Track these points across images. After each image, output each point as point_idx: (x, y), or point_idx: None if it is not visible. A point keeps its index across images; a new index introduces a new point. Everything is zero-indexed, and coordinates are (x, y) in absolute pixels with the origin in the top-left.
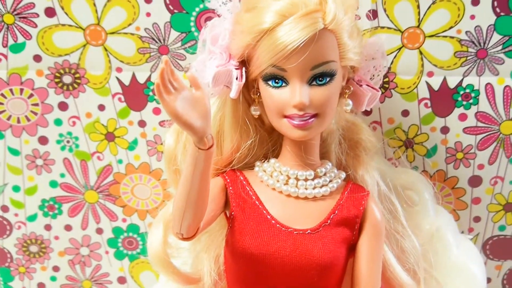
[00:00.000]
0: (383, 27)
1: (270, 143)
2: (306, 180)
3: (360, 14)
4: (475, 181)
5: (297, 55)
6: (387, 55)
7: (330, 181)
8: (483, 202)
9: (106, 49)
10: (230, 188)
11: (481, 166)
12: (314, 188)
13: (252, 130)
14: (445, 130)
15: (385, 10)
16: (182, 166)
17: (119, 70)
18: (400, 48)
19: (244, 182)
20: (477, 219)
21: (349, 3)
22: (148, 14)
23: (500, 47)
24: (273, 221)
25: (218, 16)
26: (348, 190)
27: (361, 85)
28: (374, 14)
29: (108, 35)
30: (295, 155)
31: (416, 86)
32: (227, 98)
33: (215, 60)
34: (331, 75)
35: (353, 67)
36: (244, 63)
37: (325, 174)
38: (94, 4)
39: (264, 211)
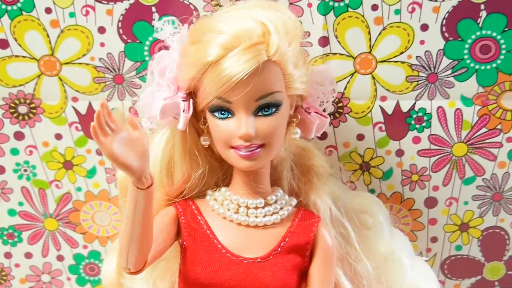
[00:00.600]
0: (335, 54)
1: (221, 171)
2: (256, 208)
3: (311, 41)
4: (430, 202)
5: (242, 87)
6: (340, 80)
7: (281, 208)
8: (439, 222)
9: (61, 79)
10: (182, 217)
11: (436, 188)
12: (264, 216)
13: (202, 159)
14: (400, 153)
15: (336, 37)
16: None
17: (75, 99)
18: (353, 74)
19: (195, 211)
20: (434, 239)
21: (294, 34)
22: (102, 44)
23: (450, 71)
24: (223, 250)
25: (167, 48)
26: (299, 217)
27: (309, 113)
28: (325, 41)
29: (62, 66)
30: (245, 184)
31: (370, 111)
32: (176, 129)
33: (163, 92)
34: (276, 105)
35: (300, 95)
36: (191, 94)
37: (275, 202)
38: (48, 35)
39: (215, 241)
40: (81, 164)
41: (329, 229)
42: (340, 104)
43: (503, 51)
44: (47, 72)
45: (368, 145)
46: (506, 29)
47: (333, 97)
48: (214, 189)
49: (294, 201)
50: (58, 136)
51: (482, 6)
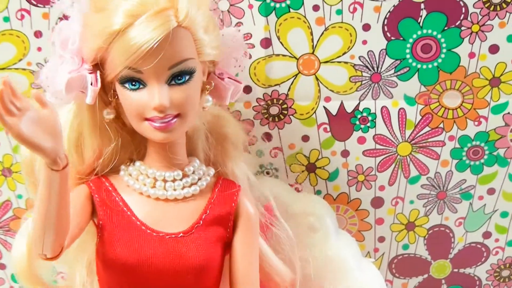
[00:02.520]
0: (278, 55)
1: (134, 145)
2: (174, 181)
3: (254, 42)
4: (377, 202)
5: (152, 55)
6: (284, 82)
7: (199, 179)
8: (386, 222)
9: None
10: (96, 196)
11: (382, 188)
12: (182, 188)
13: (113, 133)
14: (345, 153)
15: (278, 38)
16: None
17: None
18: (296, 75)
19: (110, 189)
20: (381, 239)
21: None
22: (39, 49)
23: (392, 71)
24: (143, 227)
25: (66, 18)
26: (218, 187)
27: (222, 79)
28: (268, 42)
29: None
30: (161, 156)
31: (315, 112)
32: (83, 103)
33: (67, 65)
34: (190, 73)
35: (212, 61)
36: (98, 66)
37: (193, 173)
38: None
39: (133, 218)
40: (20, 171)
41: (250, 197)
42: (285, 106)
43: (444, 50)
44: None
45: (314, 146)
46: (446, 28)
47: (244, 59)
48: (128, 164)
49: (212, 171)
50: None
51: (422, 6)
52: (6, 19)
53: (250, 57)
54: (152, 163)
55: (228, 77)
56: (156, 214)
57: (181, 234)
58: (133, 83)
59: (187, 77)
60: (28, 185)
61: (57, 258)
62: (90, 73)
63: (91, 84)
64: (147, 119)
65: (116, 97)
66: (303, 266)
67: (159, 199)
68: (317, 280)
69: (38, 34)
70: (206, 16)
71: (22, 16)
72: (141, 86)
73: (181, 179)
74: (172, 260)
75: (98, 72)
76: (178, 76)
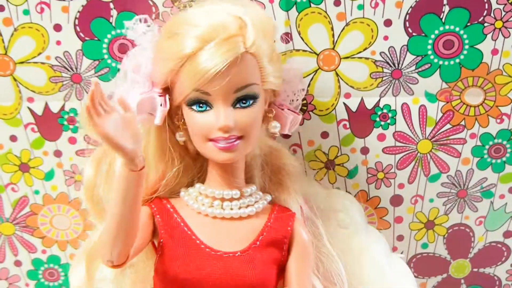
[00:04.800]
0: (298, 50)
1: (195, 170)
2: (231, 200)
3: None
4: (396, 200)
5: (220, 78)
6: (304, 77)
7: (256, 202)
8: (405, 221)
9: (15, 79)
10: (158, 216)
11: (401, 186)
12: (239, 208)
13: (176, 157)
14: (365, 150)
15: (299, 33)
16: (103, 195)
17: (30, 100)
18: (316, 71)
19: (171, 210)
20: (400, 237)
21: (268, 29)
22: (58, 43)
23: (413, 67)
24: (202, 246)
25: (133, 45)
26: (275, 212)
27: (282, 109)
28: (288, 37)
29: (16, 65)
30: (221, 178)
31: (334, 108)
32: (151, 126)
33: (138, 88)
34: (254, 97)
35: (274, 91)
36: (167, 90)
37: (250, 195)
38: (0, 34)
39: (193, 236)
40: (38, 166)
41: (304, 225)
42: (304, 102)
43: (466, 46)
44: (0, 72)
45: (333, 143)
46: (468, 24)
47: (302, 95)
48: (188, 187)
49: (269, 197)
50: (13, 138)
51: (445, 1)
52: (26, 12)
53: (304, 90)
54: (211, 185)
55: (288, 109)
56: (214, 232)
57: (239, 253)
58: (201, 105)
59: (251, 102)
60: (88, 203)
61: (122, 267)
62: (160, 95)
63: (160, 105)
64: (211, 140)
65: (183, 121)
66: (332, 261)
67: (216, 218)
68: (346, 276)
69: (57, 27)
70: (271, 46)
71: (42, 10)
72: (207, 108)
73: (238, 199)
74: (229, 278)
75: (167, 96)
76: (243, 100)
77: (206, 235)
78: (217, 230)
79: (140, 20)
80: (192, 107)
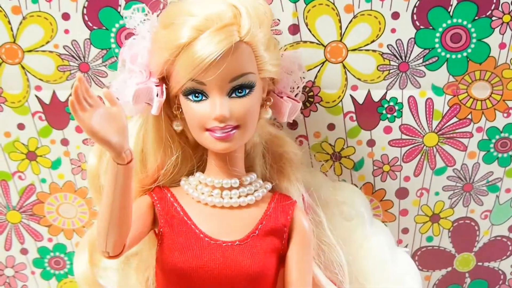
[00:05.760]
0: (305, 42)
1: (195, 159)
2: (231, 189)
3: (281, 29)
4: (402, 193)
5: (215, 68)
6: (311, 69)
7: (255, 190)
8: (410, 213)
9: (23, 68)
10: (158, 205)
11: (407, 178)
12: (239, 197)
13: (175, 146)
14: (371, 143)
15: (306, 25)
16: (104, 184)
17: (38, 88)
18: (323, 63)
19: (171, 199)
20: (405, 230)
21: (263, 17)
22: (66, 31)
23: (421, 60)
24: (201, 235)
25: (135, 34)
26: (275, 201)
27: (281, 97)
28: (296, 28)
29: (25, 54)
30: (220, 168)
31: (341, 100)
32: (149, 115)
33: (135, 78)
34: (250, 86)
35: (273, 79)
36: (164, 80)
37: (250, 184)
38: (9, 22)
39: (193, 226)
40: (45, 155)
41: (304, 213)
42: (311, 93)
43: (474, 40)
44: (8, 60)
45: (339, 135)
46: (476, 17)
47: (303, 83)
48: (189, 175)
49: (269, 185)
50: (21, 126)
51: None
52: (35, 1)
53: (304, 78)
54: (211, 174)
55: (287, 96)
56: (213, 222)
57: (237, 242)
58: (196, 94)
59: (247, 91)
60: (92, 192)
61: (119, 257)
62: (156, 85)
63: (157, 96)
64: (208, 130)
65: (180, 110)
66: (333, 250)
67: (215, 207)
68: (349, 268)
69: (66, 16)
70: (267, 34)
71: None
72: (203, 98)
73: (238, 188)
74: (228, 267)
75: (164, 85)
76: (239, 89)
77: (205, 224)
78: (216, 219)
79: (138, 10)
80: (188, 97)
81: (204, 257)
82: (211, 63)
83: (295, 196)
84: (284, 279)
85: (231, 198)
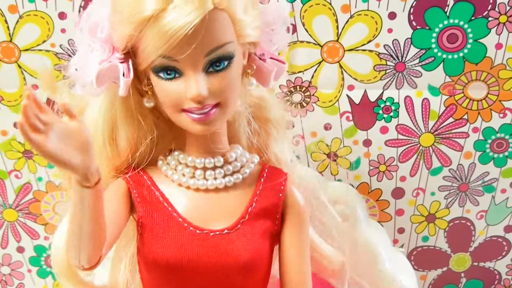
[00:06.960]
0: (302, 41)
1: (172, 135)
2: (214, 168)
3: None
4: (398, 193)
5: (188, 42)
6: (308, 69)
7: (242, 166)
8: (406, 213)
9: (20, 66)
10: (135, 191)
11: (403, 178)
12: (224, 176)
13: (149, 123)
14: (367, 143)
15: (303, 24)
16: None
17: (35, 87)
18: (320, 62)
19: (149, 183)
20: (401, 230)
21: None
22: (63, 30)
23: (417, 60)
24: (185, 224)
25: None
26: (264, 177)
27: (264, 60)
28: (292, 28)
29: (21, 52)
30: (201, 145)
31: (337, 100)
32: (117, 94)
33: (97, 55)
34: (229, 58)
35: (253, 42)
36: (130, 54)
37: (235, 160)
38: (6, 21)
39: (175, 214)
40: None
41: (297, 187)
42: (307, 93)
43: (470, 40)
44: (5, 59)
45: (335, 135)
46: (473, 18)
47: (288, 37)
48: (167, 154)
49: (256, 158)
50: (17, 125)
51: None
52: (31, 0)
53: (289, 30)
54: (191, 152)
55: (271, 57)
56: (197, 208)
57: (226, 231)
58: (168, 72)
59: (226, 63)
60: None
61: (96, 268)
62: (121, 62)
63: (123, 75)
64: (184, 110)
65: (151, 86)
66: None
67: (199, 190)
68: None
69: (62, 15)
70: None
71: None
72: (177, 75)
73: (222, 166)
74: (218, 259)
75: (130, 61)
76: (216, 63)
77: (189, 211)
78: (202, 205)
79: None
80: (159, 74)
81: (190, 250)
82: (182, 38)
83: (285, 161)
84: (280, 262)
85: (215, 178)
